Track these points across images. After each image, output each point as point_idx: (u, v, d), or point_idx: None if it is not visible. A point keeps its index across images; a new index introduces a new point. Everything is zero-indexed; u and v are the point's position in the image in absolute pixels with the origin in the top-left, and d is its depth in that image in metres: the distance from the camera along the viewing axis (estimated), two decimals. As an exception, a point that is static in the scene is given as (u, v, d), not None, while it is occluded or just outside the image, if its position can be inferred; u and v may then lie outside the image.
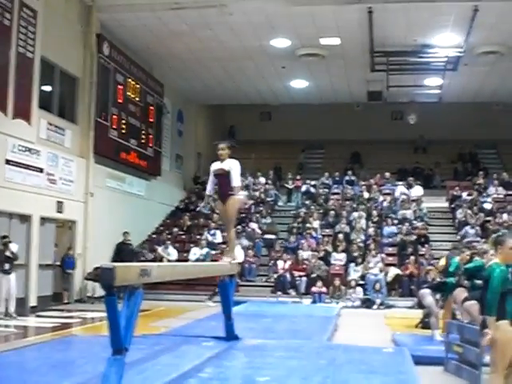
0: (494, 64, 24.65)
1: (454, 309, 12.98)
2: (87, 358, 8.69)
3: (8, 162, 16.97)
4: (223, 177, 9.74)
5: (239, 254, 22.56)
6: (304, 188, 29.34)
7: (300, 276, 22.36)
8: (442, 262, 20.08)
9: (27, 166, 17.82)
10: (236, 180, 9.78)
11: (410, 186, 28.31)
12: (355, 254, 22.81)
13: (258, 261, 24.06)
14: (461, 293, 11.44)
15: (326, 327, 13.48)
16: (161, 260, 22.47)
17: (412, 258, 22.12)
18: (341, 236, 23.94)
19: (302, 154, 34.39)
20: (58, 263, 20.10)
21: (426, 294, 12.59)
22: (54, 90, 20.19)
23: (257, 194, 29.01)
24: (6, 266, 15.96)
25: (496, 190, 27.75)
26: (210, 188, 10.14)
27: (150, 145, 25.96)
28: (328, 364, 8.45)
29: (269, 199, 28.88)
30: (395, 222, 25.39)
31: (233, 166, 9.71)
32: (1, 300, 15.90)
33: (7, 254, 15.96)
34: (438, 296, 13.07)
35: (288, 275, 22.47)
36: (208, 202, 11.08)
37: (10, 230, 17.23)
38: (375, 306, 20.81)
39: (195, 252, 23.46)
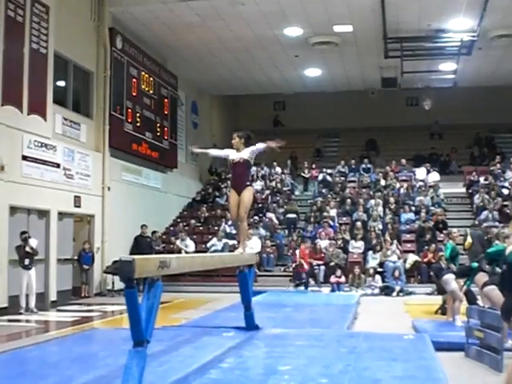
0: (508, 47, 24.45)
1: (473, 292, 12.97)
2: (109, 350, 8.73)
3: (25, 157, 17.03)
4: (240, 166, 9.76)
5: (256, 245, 22.69)
6: (320, 177, 29.29)
7: (318, 265, 22.33)
8: (469, 239, 20.14)
9: (44, 162, 17.89)
10: (261, 145, 9.94)
11: (426, 172, 28.27)
12: (373, 242, 22.76)
13: (275, 251, 24.07)
14: (482, 277, 11.40)
15: (345, 315, 13.47)
16: (179, 252, 22.51)
17: (433, 245, 21.91)
18: (359, 224, 23.90)
19: (319, 140, 34.35)
20: (76, 258, 20.17)
21: (450, 279, 12.54)
22: (68, 85, 20.24)
23: (273, 183, 29.02)
24: (26, 262, 16.05)
25: (513, 174, 27.60)
26: (215, 153, 10.53)
27: (166, 137, 26.00)
28: (349, 352, 8.45)
29: (285, 189, 28.87)
30: (413, 208, 25.34)
31: (251, 149, 9.83)
32: (21, 295, 16.00)
33: (27, 249, 16.05)
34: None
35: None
36: (200, 152, 11.14)
37: (28, 225, 17.31)
38: (394, 293, 20.76)
39: (214, 243, 23.52)
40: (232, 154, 9.85)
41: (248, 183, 9.92)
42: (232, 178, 10.35)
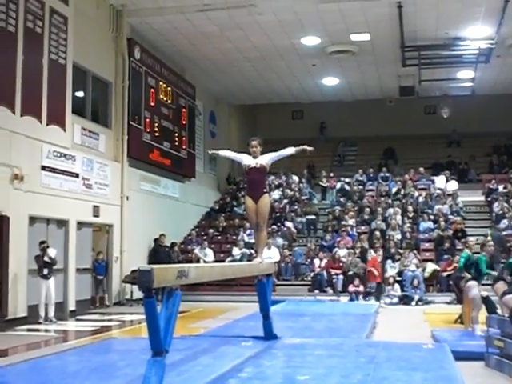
0: (527, 55, 24.41)
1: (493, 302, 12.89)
2: (127, 360, 8.74)
3: (44, 168, 17.11)
4: (257, 172, 9.64)
5: (275, 254, 22.68)
6: (338, 185, 29.26)
7: (337, 274, 22.25)
8: (489, 238, 20.31)
9: (63, 172, 17.96)
10: (290, 150, 9.87)
11: (447, 180, 28.20)
12: (392, 251, 22.66)
13: (293, 260, 23.99)
14: (501, 286, 11.33)
15: (364, 325, 13.43)
16: (197, 261, 22.53)
17: (457, 257, 21.61)
18: (377, 233, 23.81)
19: (340, 146, 34.30)
20: (89, 267, 20.13)
21: (472, 286, 12.50)
22: (86, 96, 20.32)
23: (291, 192, 28.98)
24: (45, 271, 16.13)
25: (533, 181, 27.43)
26: (227, 154, 10.18)
27: (184, 147, 26.06)
28: (368, 361, 8.41)
29: (303, 198, 28.83)
30: (431, 217, 25.23)
31: (268, 156, 9.74)
32: (41, 305, 16.07)
33: (45, 259, 16.13)
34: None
35: (325, 273, 22.43)
36: (216, 153, 10.47)
37: (47, 235, 17.37)
38: (413, 303, 20.67)
39: (235, 252, 23.49)
40: (247, 160, 9.70)
41: (265, 190, 9.78)
42: (248, 185, 10.20)
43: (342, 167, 33.09)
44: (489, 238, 20.56)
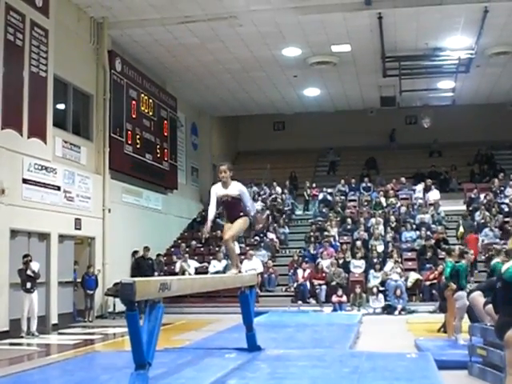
0: (506, 64, 24.57)
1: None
2: (110, 374, 8.68)
3: (25, 181, 17.02)
4: (231, 203, 9.50)
5: (258, 265, 22.65)
6: (321, 196, 29.27)
7: (320, 284, 22.27)
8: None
9: (44, 185, 17.87)
10: (251, 205, 9.69)
11: (428, 189, 28.26)
12: (375, 261, 22.70)
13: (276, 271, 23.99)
14: (478, 297, 11.34)
15: (348, 335, 13.42)
16: (183, 273, 22.47)
17: (441, 267, 21.59)
18: (359, 243, 23.86)
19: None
20: (79, 280, 20.04)
21: (461, 296, 12.55)
22: (67, 108, 20.26)
23: (274, 203, 28.97)
24: (28, 285, 16.00)
25: (514, 190, 27.56)
26: (213, 213, 9.58)
27: (166, 159, 26.03)
28: (351, 372, 8.40)
29: (286, 209, 28.85)
30: (414, 226, 25.31)
31: (241, 191, 9.51)
32: (23, 319, 15.94)
33: (29, 272, 16.01)
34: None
35: (308, 284, 22.42)
36: (211, 227, 10.12)
37: (29, 248, 17.23)
38: (396, 312, 20.72)
39: (215, 264, 23.41)
40: (219, 190, 9.51)
41: (242, 213, 9.57)
42: (225, 213, 10.03)
43: (331, 176, 33.00)
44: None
